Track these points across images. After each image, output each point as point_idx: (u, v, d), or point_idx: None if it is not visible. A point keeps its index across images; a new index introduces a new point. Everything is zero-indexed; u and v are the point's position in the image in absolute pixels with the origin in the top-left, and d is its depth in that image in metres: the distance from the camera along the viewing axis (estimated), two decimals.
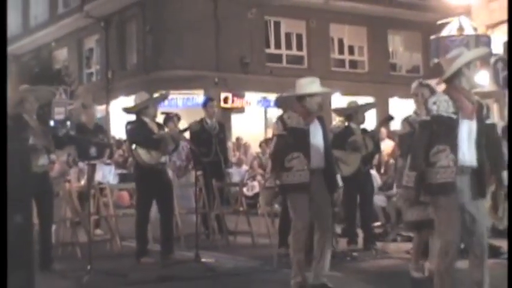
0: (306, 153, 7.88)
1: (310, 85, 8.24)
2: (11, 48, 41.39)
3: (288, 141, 7.97)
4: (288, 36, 32.10)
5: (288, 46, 32.10)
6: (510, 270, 6.50)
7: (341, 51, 33.79)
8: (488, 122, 6.53)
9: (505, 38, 22.36)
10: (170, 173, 11.73)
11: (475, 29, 20.71)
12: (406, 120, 8.93)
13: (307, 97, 8.07)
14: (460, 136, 6.31)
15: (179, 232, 11.74)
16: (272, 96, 29.21)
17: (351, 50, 34.09)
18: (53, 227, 10.41)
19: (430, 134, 6.39)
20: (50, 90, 10.26)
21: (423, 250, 8.81)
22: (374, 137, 11.34)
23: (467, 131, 6.34)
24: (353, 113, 11.26)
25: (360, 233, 11.31)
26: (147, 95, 10.89)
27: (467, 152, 6.34)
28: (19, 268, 7.45)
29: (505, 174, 6.53)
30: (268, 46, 31.42)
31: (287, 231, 11.29)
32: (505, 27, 22.04)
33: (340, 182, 8.29)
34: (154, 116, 10.68)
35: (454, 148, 6.27)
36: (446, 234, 6.40)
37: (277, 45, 31.86)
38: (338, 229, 11.62)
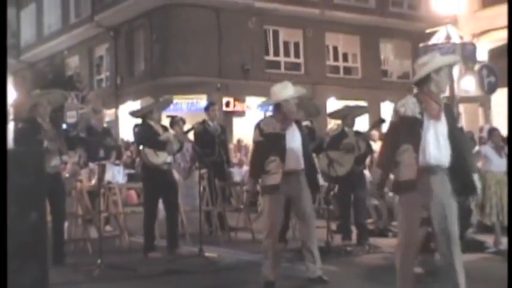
0: (282, 156, 7.87)
1: (283, 91, 8.12)
2: (26, 56, 41.57)
3: (265, 146, 7.95)
4: (286, 44, 32.09)
5: (286, 53, 32.09)
6: (510, 270, 6.38)
7: (336, 59, 33.79)
8: (457, 125, 6.54)
9: (489, 45, 22.40)
10: (175, 173, 11.72)
11: (461, 38, 20.70)
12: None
13: (283, 103, 8.02)
14: (426, 136, 6.19)
15: (184, 229, 11.74)
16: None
17: (345, 57, 34.09)
18: (65, 224, 10.42)
19: (397, 135, 6.32)
20: (62, 93, 10.27)
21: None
22: (366, 139, 11.34)
23: (433, 132, 6.22)
24: (346, 116, 11.27)
25: (354, 229, 11.31)
26: (152, 100, 10.92)
27: (435, 152, 6.19)
28: (34, 262, 7.45)
29: (475, 177, 6.41)
30: (267, 53, 31.42)
31: (284, 227, 11.34)
32: (489, 36, 22.09)
33: (320, 181, 8.42)
34: (159, 119, 10.72)
35: (417, 147, 6.16)
36: (405, 232, 6.34)
37: (276, 53, 31.86)
38: (333, 226, 11.62)
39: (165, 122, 12.50)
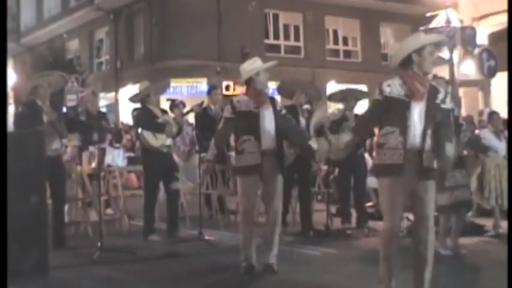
0: (256, 135, 7.58)
1: (252, 65, 7.85)
2: (26, 40, 41.48)
3: (237, 124, 7.71)
4: (286, 27, 32.06)
5: (286, 37, 32.06)
6: (510, 269, 6.32)
7: (335, 42, 33.77)
8: (443, 106, 6.13)
9: (489, 29, 22.35)
10: (175, 157, 11.72)
11: (461, 22, 20.70)
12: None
13: (254, 78, 7.74)
14: (412, 119, 5.96)
15: (184, 212, 11.75)
16: (271, 84, 29.21)
17: (345, 41, 34.06)
18: (66, 207, 10.42)
19: (379, 112, 6.13)
20: (63, 75, 10.22)
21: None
22: None
23: (418, 115, 6.00)
24: (346, 99, 11.25)
25: (354, 212, 11.32)
26: (148, 83, 10.89)
27: (418, 135, 5.98)
28: (34, 245, 7.47)
29: (448, 146, 6.13)
30: (267, 37, 31.40)
31: (285, 210, 11.35)
32: (489, 20, 22.04)
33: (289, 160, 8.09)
34: (158, 102, 10.70)
35: (403, 130, 5.94)
36: (388, 218, 6.11)
37: (276, 36, 31.83)
38: (333, 209, 11.63)
39: (166, 105, 12.47)
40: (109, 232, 10.36)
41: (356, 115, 11.13)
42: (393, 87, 6.05)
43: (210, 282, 7.51)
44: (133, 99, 10.68)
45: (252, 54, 31.73)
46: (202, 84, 27.75)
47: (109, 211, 12.37)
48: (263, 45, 30.68)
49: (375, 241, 10.24)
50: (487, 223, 10.62)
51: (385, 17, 33.77)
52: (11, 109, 18.65)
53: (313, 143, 7.90)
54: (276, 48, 31.43)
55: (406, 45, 6.19)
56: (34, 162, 7.59)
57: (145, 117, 10.28)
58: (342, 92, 11.71)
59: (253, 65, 7.84)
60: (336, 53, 33.68)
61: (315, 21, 32.17)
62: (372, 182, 13.44)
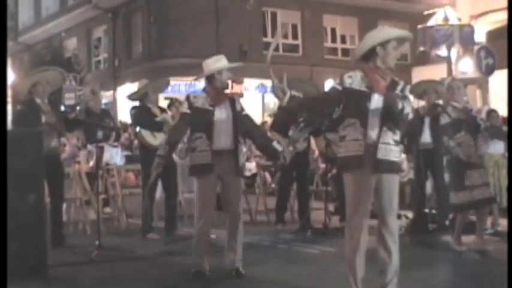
0: (208, 134, 7.35)
1: (216, 63, 7.64)
2: (24, 38, 41.44)
3: (191, 120, 7.45)
4: (284, 26, 32.03)
5: (284, 35, 32.04)
6: (510, 269, 6.31)
7: (334, 40, 33.75)
8: (401, 94, 6.01)
9: (487, 27, 22.37)
10: (173, 155, 11.71)
11: (459, 20, 20.70)
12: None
13: (216, 75, 7.55)
14: (371, 111, 5.89)
15: (183, 211, 11.74)
16: (269, 83, 29.19)
17: (343, 39, 34.03)
18: (64, 206, 10.42)
19: (333, 99, 6.06)
20: (61, 72, 10.19)
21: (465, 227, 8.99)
22: None
23: (376, 107, 5.93)
24: None
25: None
26: (147, 82, 10.89)
27: (375, 128, 5.91)
28: (33, 244, 7.46)
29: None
30: (265, 35, 31.35)
31: (283, 208, 11.35)
32: (487, 18, 22.06)
33: (246, 171, 7.85)
34: (156, 101, 10.71)
35: (364, 122, 5.86)
36: (350, 214, 6.13)
37: (274, 35, 31.80)
38: (331, 207, 11.64)
39: (164, 104, 12.47)
40: (107, 231, 10.37)
41: None
42: (354, 79, 5.99)
43: (208, 280, 7.50)
44: (132, 97, 10.68)
45: (250, 52, 31.95)
46: (200, 83, 27.72)
47: (107, 210, 12.37)
48: (261, 43, 30.65)
49: (373, 239, 10.27)
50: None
51: (383, 15, 33.72)
52: (10, 108, 18.62)
53: (277, 145, 7.78)
54: None
55: (371, 38, 6.11)
56: (32, 160, 7.58)
57: (144, 115, 10.29)
58: None
59: (217, 63, 7.65)
60: (334, 51, 33.67)
61: (313, 19, 32.16)
62: None
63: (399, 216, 11.85)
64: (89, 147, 11.77)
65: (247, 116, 7.78)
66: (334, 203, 11.98)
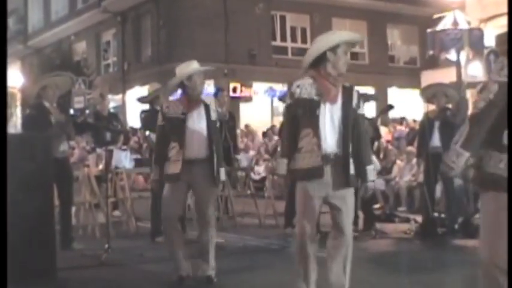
0: (181, 143, 7.10)
1: (186, 68, 7.34)
2: (34, 42, 41.59)
3: (166, 131, 7.23)
4: (293, 29, 32.05)
5: (293, 39, 32.04)
6: (510, 270, 6.24)
7: None
8: (359, 112, 5.86)
9: (496, 31, 22.31)
10: None
11: (469, 23, 20.63)
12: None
13: (185, 82, 7.25)
14: (322, 121, 5.66)
15: (191, 214, 11.75)
16: (278, 86, 29.24)
17: None
18: (73, 209, 10.44)
19: (295, 118, 5.81)
20: (71, 77, 10.23)
21: None
22: (374, 125, 11.30)
23: (329, 116, 5.69)
24: None
25: (360, 214, 11.31)
26: (158, 85, 10.92)
27: (330, 138, 5.70)
28: (42, 247, 7.48)
29: (370, 170, 5.93)
30: (274, 39, 31.40)
31: (292, 212, 11.34)
32: (496, 21, 22.00)
33: (223, 176, 7.45)
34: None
35: (316, 132, 5.63)
36: (300, 222, 5.88)
37: (283, 38, 31.82)
38: None
39: None
40: (116, 234, 10.38)
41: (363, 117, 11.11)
42: (302, 87, 5.77)
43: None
44: (142, 100, 10.71)
45: (259, 56, 32.04)
46: (209, 86, 27.76)
47: (116, 213, 12.39)
48: (270, 47, 30.71)
49: (382, 243, 10.27)
50: None
51: (392, 19, 33.73)
52: (19, 111, 18.68)
53: (222, 173, 7.55)
54: (283, 50, 31.43)
55: (321, 42, 5.91)
56: (41, 164, 7.59)
57: (153, 119, 10.29)
58: None
59: (186, 68, 7.36)
60: None
61: (322, 23, 32.14)
62: (379, 183, 13.47)
63: (408, 220, 11.86)
64: (98, 150, 11.80)
65: (215, 123, 7.54)
66: None
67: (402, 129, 22.29)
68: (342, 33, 6.20)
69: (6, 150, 6.25)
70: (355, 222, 11.19)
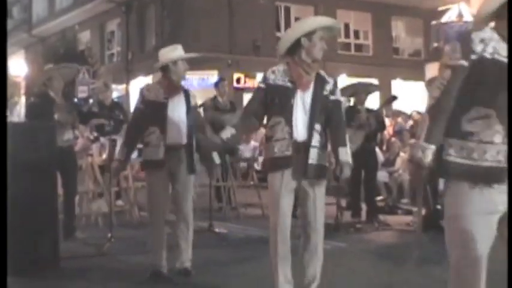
0: (162, 128, 6.93)
1: (170, 52, 7.18)
2: (38, 31, 41.59)
3: (145, 114, 7.03)
4: (297, 20, 32.01)
5: None
6: (510, 270, 6.17)
7: (347, 36, 33.70)
8: (332, 98, 5.67)
9: None
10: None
11: (473, 16, 20.61)
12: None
13: (170, 66, 7.06)
14: (296, 108, 5.53)
15: (194, 204, 11.75)
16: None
17: (357, 35, 34.01)
18: (76, 198, 10.45)
19: (260, 102, 5.67)
20: (74, 66, 10.23)
21: None
22: (378, 116, 11.28)
23: (301, 104, 5.55)
24: (357, 93, 11.22)
25: (364, 206, 11.32)
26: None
27: (301, 126, 5.54)
28: (45, 236, 7.49)
29: (343, 151, 5.76)
30: (278, 30, 31.34)
31: (295, 204, 11.33)
32: None
33: (217, 160, 7.45)
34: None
35: (289, 120, 5.50)
36: (272, 214, 5.75)
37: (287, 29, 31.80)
38: (343, 202, 11.62)
39: None
40: (119, 223, 10.39)
41: (367, 109, 11.11)
42: (278, 74, 5.64)
43: (219, 273, 7.50)
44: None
45: (263, 47, 32.05)
46: (213, 77, 27.77)
47: (119, 202, 12.39)
48: (274, 38, 30.59)
49: (385, 235, 10.28)
50: None
51: (397, 11, 33.67)
52: (23, 100, 18.68)
53: (216, 157, 7.48)
54: None
55: (296, 29, 5.72)
56: (45, 153, 7.59)
57: None
58: (353, 86, 11.67)
59: (172, 53, 7.19)
60: (347, 46, 33.63)
61: (327, 14, 31.47)
62: (382, 176, 13.47)
63: (410, 212, 11.86)
64: (102, 140, 11.78)
65: (199, 114, 7.46)
66: (346, 199, 11.96)
67: (401, 122, 22.25)
68: (318, 18, 5.95)
69: (6, 140, 6.24)
70: (359, 214, 11.25)
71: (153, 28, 32.03)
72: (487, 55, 3.78)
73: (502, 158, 3.82)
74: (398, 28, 35.31)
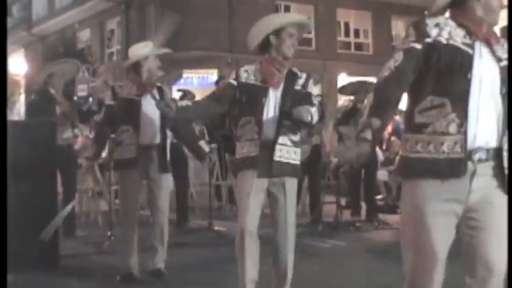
0: (135, 126, 6.77)
1: (142, 49, 7.04)
2: (38, 29, 41.56)
3: (117, 112, 6.88)
4: None
5: None
6: (510, 268, 6.14)
7: (347, 34, 33.69)
8: (304, 92, 5.51)
9: (501, 23, 22.29)
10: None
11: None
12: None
13: (141, 63, 6.87)
14: (267, 108, 5.37)
15: (194, 203, 11.77)
16: None
17: (357, 33, 33.98)
18: (76, 197, 10.46)
19: (227, 98, 5.50)
20: (76, 63, 10.23)
21: None
22: None
23: (272, 102, 5.39)
24: (357, 92, 11.23)
25: (363, 205, 11.33)
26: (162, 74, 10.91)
27: (270, 125, 5.37)
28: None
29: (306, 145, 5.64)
30: None
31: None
32: (502, 13, 21.98)
33: (206, 148, 7.24)
34: (169, 93, 10.73)
35: (258, 120, 5.33)
36: (240, 215, 5.50)
37: None
38: (342, 201, 11.65)
39: (176, 96, 12.51)
40: (119, 222, 10.40)
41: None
42: (250, 73, 5.52)
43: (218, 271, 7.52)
44: None
45: None
46: (213, 76, 27.78)
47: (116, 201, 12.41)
48: None
49: (384, 234, 10.30)
50: None
51: (397, 10, 33.64)
52: (23, 98, 18.68)
53: (204, 145, 7.42)
54: None
55: (262, 26, 5.57)
56: (45, 151, 7.60)
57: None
58: (352, 84, 11.68)
59: (142, 50, 7.03)
60: (347, 45, 33.62)
61: (327, 13, 32.12)
62: (382, 175, 13.48)
63: None
64: None
65: (168, 106, 7.31)
66: (345, 197, 11.98)
67: (399, 120, 22.21)
68: (286, 15, 5.69)
69: (6, 138, 6.24)
70: (358, 213, 11.27)
71: (152, 26, 31.98)
72: (442, 40, 3.61)
73: (460, 149, 3.54)
74: (399, 27, 35.28)
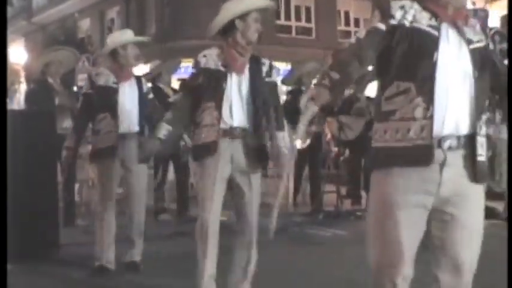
0: (113, 114, 6.63)
1: (120, 36, 7.01)
2: (38, 18, 41.50)
3: (95, 100, 6.72)
4: (297, 8, 31.94)
5: (298, 18, 31.94)
6: (510, 267, 6.07)
7: (347, 24, 33.64)
8: (268, 80, 5.43)
9: (501, 12, 22.21)
10: (185, 137, 11.72)
11: (474, 3, 20.55)
12: None
13: (120, 50, 6.78)
14: (228, 93, 5.20)
15: (194, 192, 11.74)
16: (282, 65, 29.18)
17: (357, 23, 33.90)
18: (76, 186, 10.44)
19: (192, 89, 5.35)
20: (73, 51, 10.19)
21: None
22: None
23: (236, 88, 5.23)
24: (357, 81, 11.17)
25: (364, 194, 11.31)
26: (160, 62, 10.90)
27: (236, 111, 5.21)
28: (45, 224, 7.48)
29: (280, 136, 5.40)
30: (278, 18, 31.27)
31: (295, 191, 11.34)
32: (502, 2, 21.90)
33: (188, 140, 7.08)
34: (169, 82, 10.69)
35: (219, 105, 5.14)
36: (202, 207, 5.34)
37: (287, 17, 31.71)
38: (343, 190, 11.62)
39: (176, 85, 12.47)
40: (119, 211, 10.36)
41: (367, 97, 11.08)
42: (209, 57, 5.34)
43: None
44: (145, 77, 10.67)
45: (263, 35, 31.74)
46: None
47: (119, 190, 12.37)
48: (274, 26, 30.60)
49: None
50: (498, 206, 10.59)
51: None
52: (23, 88, 18.63)
53: (187, 138, 7.28)
54: (287, 29, 31.35)
55: (229, 10, 5.39)
56: (45, 140, 7.58)
57: (157, 96, 10.26)
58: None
59: (120, 37, 7.00)
60: (347, 34, 33.51)
61: (327, 2, 32.07)
62: None
63: None
64: None
65: (152, 100, 7.18)
66: (346, 186, 11.95)
67: None
68: (252, 0, 5.51)
69: (6, 127, 6.21)
70: (359, 202, 11.24)
71: (153, 16, 31.96)
72: (406, 22, 3.46)
73: (426, 134, 3.33)
74: None
